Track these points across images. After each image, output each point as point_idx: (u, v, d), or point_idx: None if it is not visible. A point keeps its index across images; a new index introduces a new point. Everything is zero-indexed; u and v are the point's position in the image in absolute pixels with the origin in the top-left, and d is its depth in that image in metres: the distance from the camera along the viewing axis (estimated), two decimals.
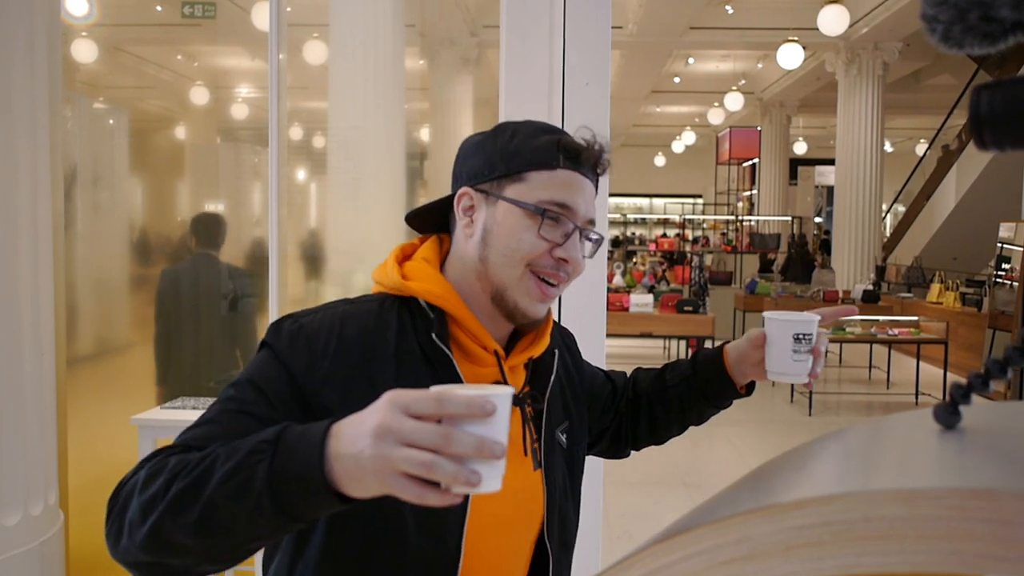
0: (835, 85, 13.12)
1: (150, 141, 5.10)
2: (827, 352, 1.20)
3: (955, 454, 0.56)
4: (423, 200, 5.46)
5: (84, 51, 4.92)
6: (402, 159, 4.79)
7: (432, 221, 1.18)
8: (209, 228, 3.92)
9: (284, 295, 3.59)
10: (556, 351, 1.20)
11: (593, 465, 2.53)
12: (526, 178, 1.07)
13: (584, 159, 1.08)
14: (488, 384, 0.99)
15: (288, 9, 4.05)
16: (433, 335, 1.05)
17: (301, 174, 5.28)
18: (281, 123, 3.37)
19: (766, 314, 1.21)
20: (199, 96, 5.54)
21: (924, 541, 0.47)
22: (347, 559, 1.01)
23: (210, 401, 3.16)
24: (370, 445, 0.72)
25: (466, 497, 0.86)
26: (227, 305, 3.95)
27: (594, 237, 1.12)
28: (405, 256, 1.15)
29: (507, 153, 1.08)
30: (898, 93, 15.09)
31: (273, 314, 3.53)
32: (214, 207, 4.68)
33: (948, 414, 0.62)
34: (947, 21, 0.60)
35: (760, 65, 15.59)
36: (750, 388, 1.31)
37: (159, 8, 5.30)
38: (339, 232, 4.63)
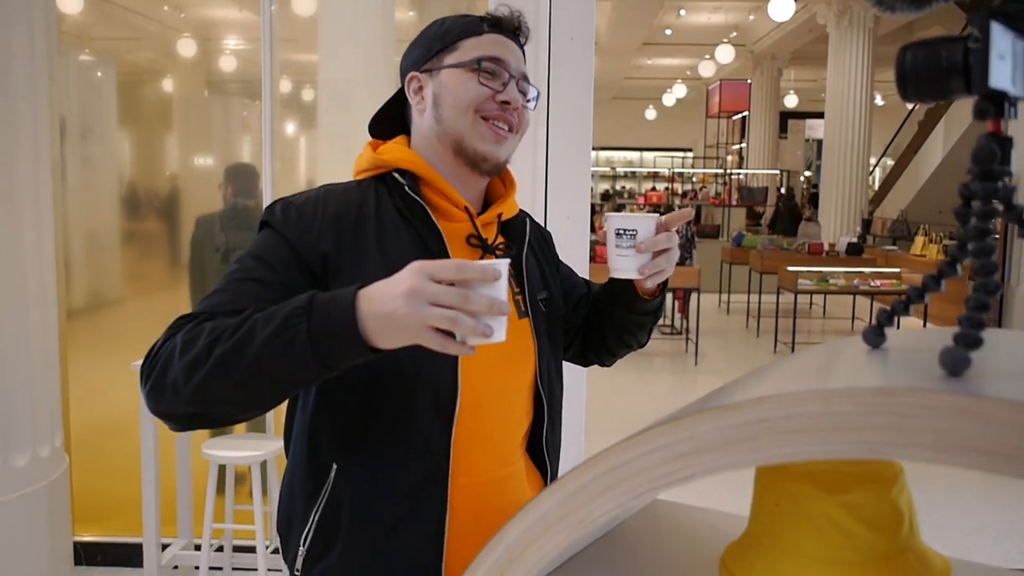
0: (826, 38, 13.10)
1: (138, 94, 5.08)
2: (670, 251, 1.23)
3: (870, 364, 0.65)
4: None
5: (70, 1, 4.89)
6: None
7: (392, 128, 1.31)
8: (247, 178, 3.96)
9: None
10: (528, 220, 1.35)
11: (574, 415, 2.62)
12: (459, 46, 1.21)
13: (505, 24, 1.24)
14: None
15: None
16: (407, 189, 1.18)
17: (291, 128, 5.28)
18: (274, 76, 3.40)
19: (606, 214, 1.32)
20: (186, 48, 5.51)
21: (838, 432, 0.57)
22: (350, 404, 1.14)
23: None
24: (403, 304, 0.86)
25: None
26: (220, 257, 4.00)
27: (530, 90, 1.25)
28: (359, 156, 1.29)
29: (440, 33, 1.24)
30: (889, 46, 15.03)
31: None
32: (204, 161, 4.70)
33: (874, 335, 0.71)
34: None
35: (752, 17, 15.50)
36: (659, 294, 1.34)
37: None
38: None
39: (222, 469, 3.11)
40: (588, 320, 1.46)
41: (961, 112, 11.72)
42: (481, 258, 1.22)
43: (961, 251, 0.67)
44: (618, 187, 22.82)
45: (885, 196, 14.58)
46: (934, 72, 0.64)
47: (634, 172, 24.45)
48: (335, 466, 1.14)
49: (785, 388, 0.63)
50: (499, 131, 1.20)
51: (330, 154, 4.57)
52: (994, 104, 0.63)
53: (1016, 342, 0.73)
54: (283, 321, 0.91)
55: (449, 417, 1.13)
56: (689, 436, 0.63)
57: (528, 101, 1.24)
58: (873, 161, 15.43)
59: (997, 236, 0.67)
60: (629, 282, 1.31)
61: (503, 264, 0.90)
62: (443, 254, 1.17)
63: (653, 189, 18.44)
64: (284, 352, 0.90)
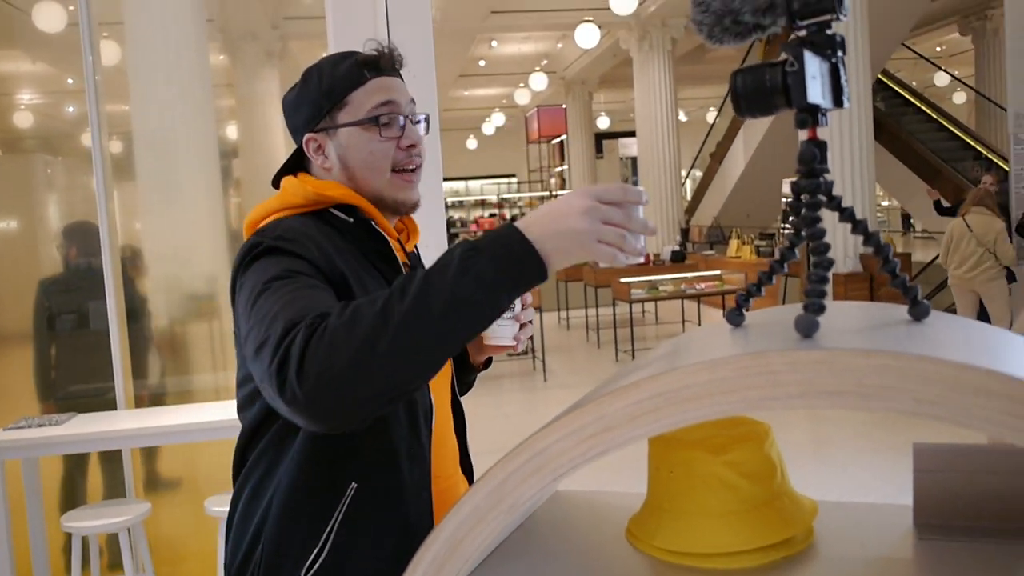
0: (630, 61, 13.91)
1: None
2: (531, 323, 1.35)
3: (740, 338, 0.77)
4: (237, 200, 5.34)
5: None
6: (215, 158, 4.70)
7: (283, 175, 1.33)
8: (88, 236, 3.72)
9: (116, 307, 3.50)
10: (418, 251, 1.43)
11: None
12: (349, 101, 1.24)
13: (384, 64, 1.26)
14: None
15: (71, 8, 3.89)
16: (373, 224, 1.24)
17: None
18: (102, 129, 3.28)
19: None
20: None
21: (724, 395, 0.68)
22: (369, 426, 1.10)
23: (57, 417, 3.08)
24: (579, 221, 0.91)
25: None
26: (46, 323, 3.78)
27: (421, 118, 1.29)
28: (283, 188, 1.28)
29: (324, 92, 1.25)
30: (687, 65, 16.17)
31: (115, 325, 3.43)
32: (6, 224, 4.41)
33: (735, 316, 0.84)
34: (710, 24, 0.81)
35: (560, 45, 16.21)
36: (487, 364, 1.48)
37: None
38: (156, 238, 4.48)
39: (84, 541, 2.94)
40: None
41: (757, 124, 12.75)
42: None
43: (797, 236, 0.81)
44: (448, 217, 23.05)
45: (698, 205, 15.57)
46: (761, 92, 0.78)
47: (461, 201, 24.80)
48: (355, 486, 1.17)
49: (673, 364, 0.74)
50: (410, 176, 1.27)
51: (152, 206, 4.41)
52: (811, 115, 0.77)
53: (848, 309, 0.88)
54: (460, 265, 0.90)
55: (430, 427, 1.23)
56: (598, 417, 0.73)
57: (423, 132, 1.30)
58: (684, 173, 16.47)
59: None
60: (464, 351, 1.42)
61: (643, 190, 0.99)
62: None
63: (483, 216, 18.81)
64: (476, 289, 0.89)
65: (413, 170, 1.28)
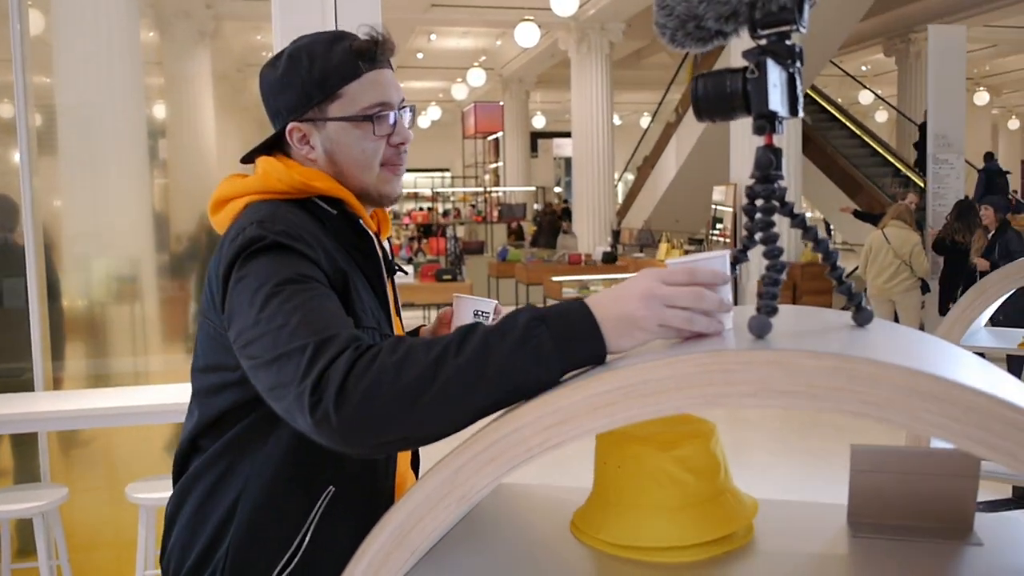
0: (568, 62, 14.00)
1: None
2: None
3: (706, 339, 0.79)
4: (162, 181, 5.20)
5: None
6: (143, 136, 4.56)
7: (258, 154, 1.27)
8: (9, 211, 3.53)
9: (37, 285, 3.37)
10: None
11: None
12: (342, 94, 1.19)
13: (380, 55, 1.21)
14: (697, 253, 1.04)
15: None
16: (361, 222, 1.22)
17: (17, 156, 4.84)
18: (29, 101, 3.15)
19: (455, 295, 1.36)
20: None
21: (681, 391, 0.69)
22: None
23: None
24: (641, 307, 0.86)
25: None
26: None
27: (408, 109, 1.27)
28: (265, 171, 1.21)
29: (315, 80, 1.18)
30: (624, 70, 16.37)
31: (35, 303, 3.30)
32: None
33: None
34: (673, 28, 0.83)
35: (499, 43, 16.22)
36: None
37: None
38: (77, 215, 4.33)
39: None
40: None
41: (689, 130, 12.99)
42: (391, 280, 1.30)
43: (750, 240, 0.83)
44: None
45: (629, 208, 15.78)
46: (721, 97, 0.80)
47: None
48: (332, 489, 1.14)
49: (635, 359, 0.75)
50: (396, 169, 1.26)
51: (74, 182, 4.25)
52: (769, 122, 0.79)
53: (795, 311, 0.91)
54: (524, 332, 0.88)
55: None
56: (557, 408, 0.73)
57: (410, 124, 1.28)
58: (617, 176, 16.67)
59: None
60: None
61: (725, 261, 0.92)
62: (379, 280, 1.23)
63: (419, 209, 18.70)
64: (531, 361, 0.87)
65: (398, 163, 1.26)
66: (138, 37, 4.69)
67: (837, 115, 13.21)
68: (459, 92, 17.79)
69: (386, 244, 1.37)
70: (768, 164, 0.81)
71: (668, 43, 0.87)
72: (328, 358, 0.90)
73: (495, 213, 15.34)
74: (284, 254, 1.05)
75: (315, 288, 1.02)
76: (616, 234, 13.63)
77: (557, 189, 21.69)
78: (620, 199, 17.40)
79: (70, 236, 4.23)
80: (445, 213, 17.85)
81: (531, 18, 11.35)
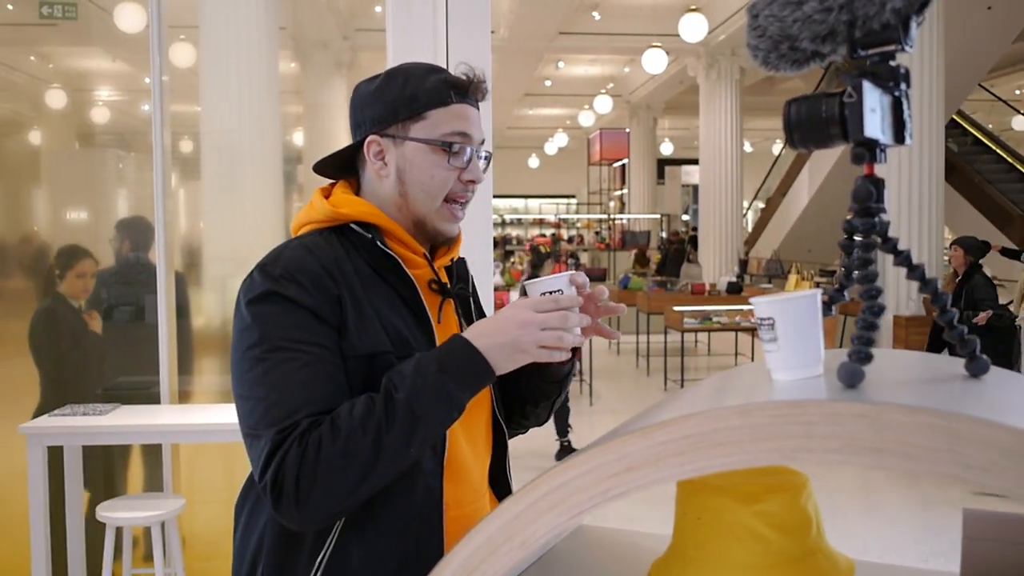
0: (697, 88, 13.80)
1: (3, 147, 4.86)
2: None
3: (779, 384, 0.73)
4: (299, 205, 5.43)
5: None
6: (279, 163, 4.76)
7: (338, 168, 1.32)
8: (142, 230, 3.80)
9: (167, 303, 3.56)
10: (464, 260, 1.39)
11: None
12: (426, 116, 1.22)
13: (471, 91, 1.24)
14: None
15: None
16: (379, 244, 1.21)
17: (171, 180, 5.13)
18: (165, 128, 3.34)
19: (524, 282, 1.29)
20: (56, 99, 5.30)
21: (755, 443, 0.63)
22: None
23: (101, 407, 3.13)
24: (523, 334, 1.07)
25: None
26: (103, 313, 3.86)
27: (485, 155, 1.29)
28: (323, 196, 1.28)
29: (405, 98, 1.22)
30: (755, 96, 15.98)
31: (163, 320, 3.48)
32: (77, 215, 4.52)
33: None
34: (766, 49, 0.77)
35: (627, 69, 16.18)
36: (570, 362, 1.34)
37: (10, 7, 5.06)
38: (216, 238, 4.56)
39: (119, 532, 2.98)
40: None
41: (824, 157, 12.53)
42: (442, 302, 1.27)
43: (848, 279, 0.76)
44: (505, 233, 23.11)
45: (758, 237, 15.33)
46: (816, 123, 0.73)
47: (519, 219, 24.83)
48: (342, 519, 1.15)
49: (705, 405, 0.70)
50: (457, 211, 1.26)
51: (214, 206, 4.48)
52: (868, 150, 0.72)
53: (898, 357, 0.83)
54: (434, 389, 1.06)
55: (441, 454, 1.19)
56: (621, 456, 0.69)
57: (484, 168, 1.29)
58: (746, 204, 16.25)
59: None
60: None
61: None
62: (416, 301, 1.22)
63: (541, 235, 18.81)
64: (445, 411, 1.07)
65: (461, 206, 1.27)
66: (277, 67, 4.92)
67: (987, 142, 12.43)
68: (586, 119, 17.83)
69: (456, 266, 1.35)
70: (867, 196, 0.74)
71: (761, 66, 0.82)
72: (280, 456, 1.04)
73: (619, 240, 15.21)
74: (278, 305, 1.13)
75: (294, 357, 1.10)
76: (743, 264, 13.26)
77: (684, 217, 21.34)
78: (749, 228, 16.94)
79: (209, 257, 4.47)
80: (569, 239, 17.86)
81: (659, 44, 11.26)
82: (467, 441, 1.25)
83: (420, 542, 1.16)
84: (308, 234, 1.24)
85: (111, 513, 2.83)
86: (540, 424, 1.46)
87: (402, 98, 1.22)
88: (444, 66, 1.75)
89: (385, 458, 1.04)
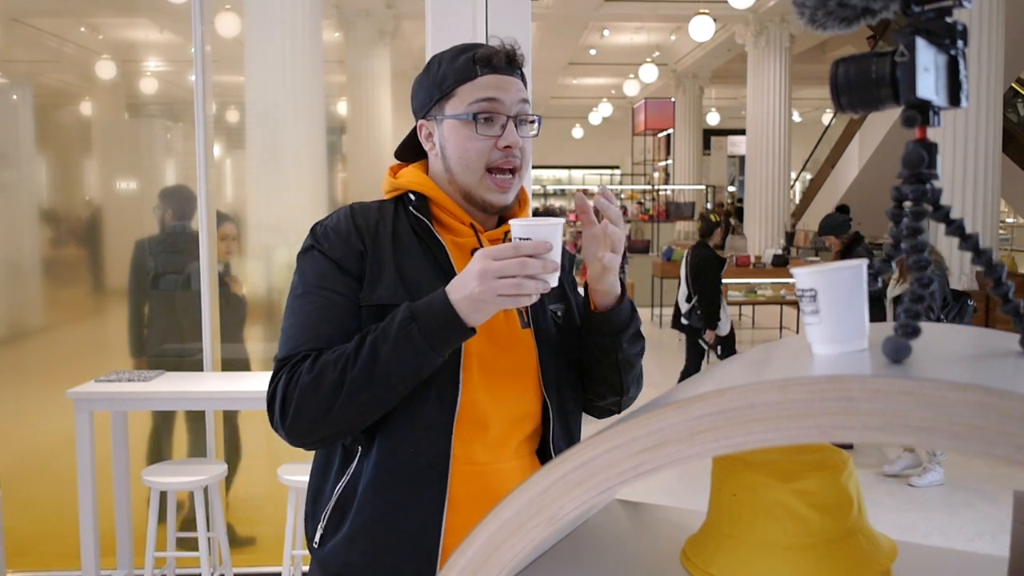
0: (745, 56, 13.50)
1: (55, 117, 4.94)
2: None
3: (820, 358, 0.70)
4: (343, 176, 5.43)
5: None
6: (322, 133, 4.77)
7: (414, 153, 1.42)
8: (185, 200, 3.86)
9: (207, 269, 3.60)
10: None
11: None
12: (456, 93, 1.29)
13: (497, 61, 1.28)
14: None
15: None
16: (411, 208, 1.32)
17: (217, 150, 5.17)
18: (207, 98, 3.36)
19: (511, 221, 1.20)
20: (105, 70, 5.37)
21: (793, 419, 0.61)
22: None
23: (146, 373, 3.19)
24: (477, 284, 1.10)
25: (457, 349, 1.22)
26: (150, 282, 3.92)
27: (530, 119, 1.32)
28: (391, 173, 1.41)
29: (437, 80, 1.31)
30: (805, 64, 15.60)
31: (206, 288, 3.53)
32: (126, 185, 4.58)
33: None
34: (812, 6, 0.73)
35: (673, 37, 15.88)
36: (619, 304, 1.31)
37: None
38: (260, 207, 4.59)
39: (163, 496, 3.04)
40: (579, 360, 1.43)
41: (875, 128, 12.20)
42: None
43: (896, 249, 0.72)
44: (548, 204, 23.01)
45: (806, 210, 15.04)
46: (865, 84, 0.69)
47: (563, 190, 24.68)
48: (359, 449, 1.27)
49: (742, 378, 0.67)
50: (504, 182, 1.29)
51: (258, 176, 4.51)
52: (920, 113, 0.68)
53: (948, 332, 0.79)
54: (397, 332, 1.14)
55: (451, 410, 1.25)
56: (653, 430, 0.66)
57: (529, 133, 1.31)
58: (793, 176, 15.94)
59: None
60: (587, 301, 1.33)
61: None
62: (447, 264, 1.29)
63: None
64: (410, 355, 1.14)
65: (511, 172, 1.29)
66: (320, 37, 4.92)
67: None
68: (631, 88, 17.58)
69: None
70: (919, 161, 0.70)
71: (808, 24, 0.77)
72: (276, 380, 1.23)
73: (663, 211, 15.06)
74: (312, 258, 1.30)
75: (320, 299, 1.26)
76: (790, 236, 13.03)
77: (731, 188, 21.02)
78: (797, 200, 16.62)
79: (253, 225, 4.51)
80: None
81: (706, 11, 11.01)
82: (492, 402, 1.27)
83: (425, 483, 1.24)
84: (371, 202, 1.38)
85: (156, 478, 2.88)
86: (622, 395, 1.39)
87: (435, 81, 1.31)
88: (484, 34, 1.78)
89: (347, 391, 1.15)
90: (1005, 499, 4.62)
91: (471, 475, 1.26)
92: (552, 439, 1.34)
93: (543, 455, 1.35)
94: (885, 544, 0.79)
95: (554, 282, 1.10)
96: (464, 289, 1.12)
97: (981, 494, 4.84)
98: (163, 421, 3.70)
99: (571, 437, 1.38)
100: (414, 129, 1.39)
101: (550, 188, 24.53)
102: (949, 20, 0.68)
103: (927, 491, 4.95)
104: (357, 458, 1.27)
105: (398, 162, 1.44)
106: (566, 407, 1.36)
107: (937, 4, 0.68)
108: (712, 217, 8.51)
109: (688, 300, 6.70)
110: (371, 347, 1.15)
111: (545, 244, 1.09)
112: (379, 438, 1.25)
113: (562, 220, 1.12)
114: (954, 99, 0.71)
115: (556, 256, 1.10)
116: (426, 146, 1.36)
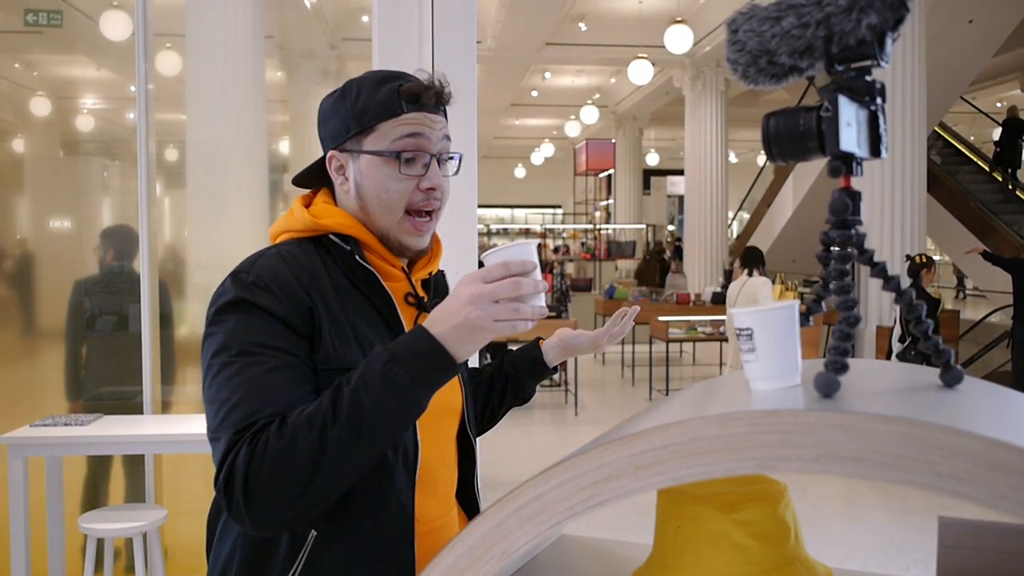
0: (683, 100, 13.87)
1: None
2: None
3: (758, 394, 0.74)
4: (284, 213, 5.42)
5: None
6: (264, 171, 4.75)
7: (316, 179, 1.30)
8: (126, 240, 3.77)
9: (151, 312, 3.54)
10: (444, 273, 1.37)
11: None
12: (377, 129, 1.18)
13: (426, 99, 1.19)
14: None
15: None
16: (357, 257, 1.19)
17: (157, 188, 5.11)
18: (150, 136, 3.33)
19: (483, 255, 1.22)
20: (40, 107, 5.28)
21: (733, 452, 0.64)
22: None
23: (83, 417, 3.10)
24: (473, 310, 0.97)
25: None
26: (85, 324, 3.83)
27: (453, 156, 1.24)
28: (303, 205, 1.27)
29: (356, 111, 1.19)
30: (740, 107, 16.08)
31: (147, 330, 3.46)
32: (61, 224, 4.49)
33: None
34: (745, 64, 0.79)
35: (613, 80, 16.25)
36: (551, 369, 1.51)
37: None
38: (202, 246, 4.54)
39: (100, 543, 2.95)
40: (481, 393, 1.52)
41: (808, 168, 12.60)
42: (418, 316, 1.25)
43: (825, 290, 0.77)
44: (491, 244, 23.10)
45: (743, 248, 15.39)
46: (794, 137, 0.74)
47: (506, 229, 24.84)
48: (313, 532, 1.12)
49: (684, 414, 0.70)
50: (422, 225, 1.21)
51: (199, 215, 4.47)
52: (844, 163, 0.74)
53: (874, 368, 0.84)
54: (382, 379, 0.98)
55: (413, 471, 1.17)
56: (600, 465, 0.69)
57: (450, 171, 1.24)
58: (731, 215, 16.33)
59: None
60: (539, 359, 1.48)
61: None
62: (393, 315, 1.20)
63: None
64: (398, 403, 0.98)
65: (428, 214, 1.21)
66: (263, 76, 4.92)
67: (968, 154, 12.56)
68: (572, 129, 17.91)
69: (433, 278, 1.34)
70: (844, 208, 0.75)
71: (741, 79, 0.83)
72: (232, 456, 1.00)
73: (604, 250, 15.26)
74: (246, 313, 1.11)
75: (264, 361, 1.07)
76: (728, 274, 13.31)
77: (670, 227, 21.44)
78: (734, 238, 17.01)
79: (193, 265, 4.45)
80: (555, 250, 17.90)
81: (645, 56, 11.31)
82: (437, 454, 1.23)
83: (392, 558, 1.14)
84: (285, 243, 1.22)
85: (93, 524, 2.80)
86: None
87: (354, 112, 1.19)
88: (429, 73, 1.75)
89: (331, 454, 0.97)
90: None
91: (429, 536, 1.20)
92: (476, 481, 1.33)
93: (465, 498, 1.33)
94: (821, 571, 0.82)
95: (541, 302, 1.01)
96: (453, 319, 0.98)
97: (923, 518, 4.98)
98: (99, 466, 3.60)
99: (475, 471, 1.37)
100: (320, 160, 1.27)
101: (493, 227, 24.68)
102: (869, 79, 0.74)
103: (865, 515, 5.07)
104: (311, 541, 1.12)
105: (302, 191, 1.31)
106: (473, 457, 1.36)
107: (858, 64, 0.74)
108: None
109: (901, 340, 6.25)
110: (352, 399, 0.98)
111: (532, 263, 1.00)
112: (339, 517, 1.12)
113: (536, 240, 1.09)
114: (875, 151, 0.77)
115: (539, 276, 1.02)
116: (336, 179, 1.23)
